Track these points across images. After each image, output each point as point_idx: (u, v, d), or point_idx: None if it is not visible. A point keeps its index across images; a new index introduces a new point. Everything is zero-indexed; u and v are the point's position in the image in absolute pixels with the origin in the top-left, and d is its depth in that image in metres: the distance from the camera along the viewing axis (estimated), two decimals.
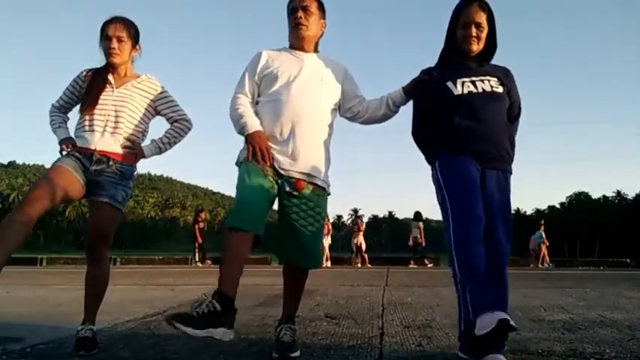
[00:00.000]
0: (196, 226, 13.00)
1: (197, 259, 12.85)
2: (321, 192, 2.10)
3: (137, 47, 2.34)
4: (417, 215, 13.19)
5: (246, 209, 1.87)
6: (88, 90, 2.26)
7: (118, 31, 2.22)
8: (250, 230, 1.84)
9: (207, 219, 13.85)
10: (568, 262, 14.45)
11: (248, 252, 1.88)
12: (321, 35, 2.21)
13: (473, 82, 1.95)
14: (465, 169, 1.87)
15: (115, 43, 2.22)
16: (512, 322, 1.57)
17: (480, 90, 1.94)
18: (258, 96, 2.12)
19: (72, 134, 2.30)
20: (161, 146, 2.38)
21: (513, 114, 2.06)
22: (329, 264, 12.74)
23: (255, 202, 1.89)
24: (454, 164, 1.90)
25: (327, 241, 13.03)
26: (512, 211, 2.02)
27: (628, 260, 14.32)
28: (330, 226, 13.43)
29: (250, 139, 1.96)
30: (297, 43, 2.15)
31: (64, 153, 2.21)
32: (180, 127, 2.41)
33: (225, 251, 1.84)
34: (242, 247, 1.85)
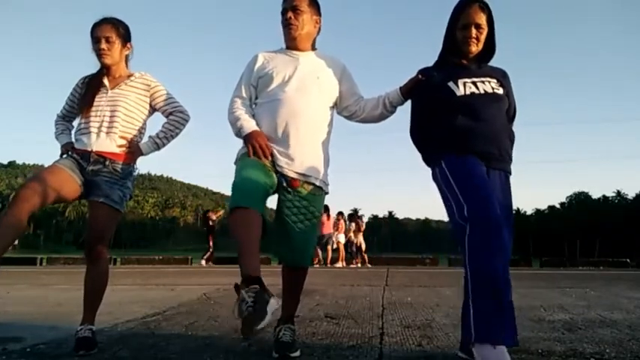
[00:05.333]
0: (209, 227, 13.18)
1: (205, 257, 12.97)
2: (318, 191, 2.10)
3: (128, 46, 2.35)
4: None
5: (244, 189, 1.79)
6: (84, 94, 2.28)
7: (106, 31, 2.23)
8: (250, 205, 1.73)
9: (220, 217, 13.77)
10: (567, 262, 14.39)
11: (258, 230, 1.73)
12: (318, 32, 2.20)
13: (474, 83, 1.95)
14: (476, 167, 1.85)
15: (103, 44, 2.23)
16: None
17: (482, 91, 1.93)
18: (256, 98, 2.13)
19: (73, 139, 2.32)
20: (158, 142, 2.37)
21: (509, 116, 2.06)
22: (344, 264, 12.63)
23: (254, 183, 1.82)
24: (464, 162, 1.86)
25: (342, 239, 12.97)
26: (513, 211, 2.01)
27: (628, 260, 14.29)
28: (343, 224, 13.31)
29: (249, 139, 1.96)
30: (290, 43, 2.15)
31: (64, 156, 2.23)
32: (175, 119, 2.39)
33: (237, 239, 1.71)
34: (250, 228, 1.71)
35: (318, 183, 2.07)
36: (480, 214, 1.72)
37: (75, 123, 2.40)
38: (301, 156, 2.01)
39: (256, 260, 1.69)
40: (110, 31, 2.24)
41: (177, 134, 2.42)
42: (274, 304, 1.57)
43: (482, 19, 1.94)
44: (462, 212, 1.77)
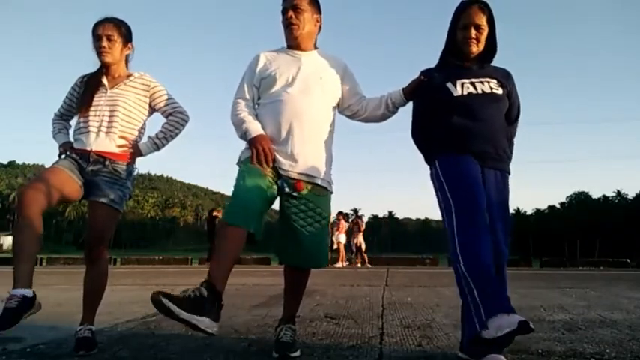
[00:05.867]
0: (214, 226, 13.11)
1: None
2: (322, 192, 2.09)
3: (129, 46, 2.34)
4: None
5: (240, 206, 1.86)
6: (83, 93, 2.27)
7: (108, 30, 2.23)
8: (242, 226, 1.82)
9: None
10: (567, 262, 14.40)
11: (239, 248, 1.84)
12: (319, 31, 2.20)
13: (472, 84, 1.95)
14: (467, 167, 1.86)
15: (105, 42, 2.22)
16: (531, 324, 1.52)
17: (480, 91, 1.94)
18: (258, 98, 2.13)
19: (72, 138, 2.31)
20: (157, 142, 2.37)
21: (513, 115, 2.06)
22: (344, 264, 12.61)
23: (250, 199, 1.87)
24: (456, 162, 1.88)
25: (342, 239, 12.95)
26: (512, 211, 2.02)
27: (628, 260, 14.30)
28: (344, 224, 13.30)
29: (254, 143, 1.96)
30: (292, 42, 2.14)
31: (63, 156, 2.22)
32: (175, 120, 2.39)
33: (218, 246, 1.83)
34: (233, 243, 1.81)
35: (322, 183, 2.07)
36: (464, 214, 1.77)
37: (73, 122, 2.39)
38: (305, 156, 2.01)
39: (224, 277, 1.76)
40: (112, 29, 2.24)
41: (176, 135, 2.42)
42: (204, 322, 1.58)
43: (482, 19, 1.94)
44: (450, 213, 1.81)
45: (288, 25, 2.09)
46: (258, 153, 1.93)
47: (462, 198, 1.81)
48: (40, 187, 1.99)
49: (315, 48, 2.20)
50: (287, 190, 1.99)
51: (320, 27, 2.20)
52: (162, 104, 2.38)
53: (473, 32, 1.94)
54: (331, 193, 2.16)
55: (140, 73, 2.36)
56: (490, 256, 1.73)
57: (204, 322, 1.58)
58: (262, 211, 1.93)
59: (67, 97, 2.37)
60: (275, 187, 1.98)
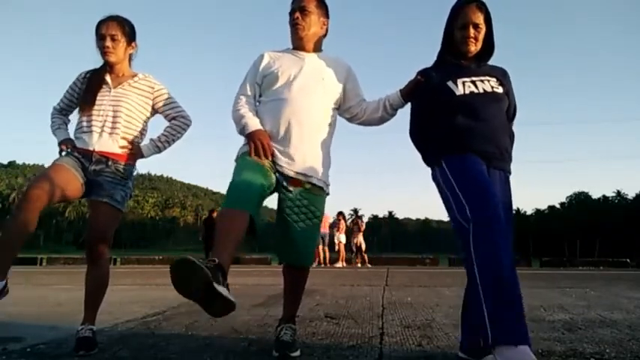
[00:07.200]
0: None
1: None
2: (318, 191, 2.10)
3: (133, 45, 2.33)
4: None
5: (239, 191, 1.82)
6: (86, 91, 2.26)
7: (112, 29, 2.22)
8: (240, 208, 1.76)
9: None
10: (567, 262, 14.42)
11: (242, 230, 1.74)
12: (325, 34, 2.21)
13: (473, 82, 1.94)
14: (475, 165, 1.84)
15: (108, 42, 2.22)
16: None
17: (481, 90, 1.93)
18: (260, 96, 2.13)
19: (72, 135, 2.30)
20: (159, 145, 2.38)
21: (510, 115, 2.05)
22: (343, 264, 12.63)
23: (249, 185, 1.84)
24: (464, 161, 1.85)
25: (342, 239, 12.93)
26: (513, 211, 2.01)
27: (628, 260, 14.31)
28: (343, 224, 13.31)
29: (251, 137, 1.97)
30: (297, 43, 2.16)
31: (64, 153, 2.22)
32: (177, 124, 2.40)
33: (218, 229, 1.73)
34: (235, 223, 1.73)
35: (318, 183, 2.07)
36: (483, 213, 1.69)
37: (71, 117, 2.38)
38: (302, 156, 2.02)
39: (227, 253, 1.65)
40: (116, 29, 2.23)
41: (178, 139, 2.43)
42: (222, 290, 1.47)
43: (479, 18, 1.94)
44: (463, 212, 1.74)
45: (294, 26, 2.12)
46: (256, 147, 1.94)
47: (477, 197, 1.73)
48: (45, 185, 1.99)
49: (320, 50, 2.21)
50: (284, 183, 2.00)
51: (326, 30, 2.21)
52: (165, 107, 2.38)
53: (471, 31, 1.94)
54: (327, 194, 2.16)
55: (144, 75, 2.36)
56: (509, 259, 1.65)
57: (219, 288, 1.47)
58: (261, 195, 1.87)
59: (67, 92, 2.35)
60: (274, 176, 1.97)
